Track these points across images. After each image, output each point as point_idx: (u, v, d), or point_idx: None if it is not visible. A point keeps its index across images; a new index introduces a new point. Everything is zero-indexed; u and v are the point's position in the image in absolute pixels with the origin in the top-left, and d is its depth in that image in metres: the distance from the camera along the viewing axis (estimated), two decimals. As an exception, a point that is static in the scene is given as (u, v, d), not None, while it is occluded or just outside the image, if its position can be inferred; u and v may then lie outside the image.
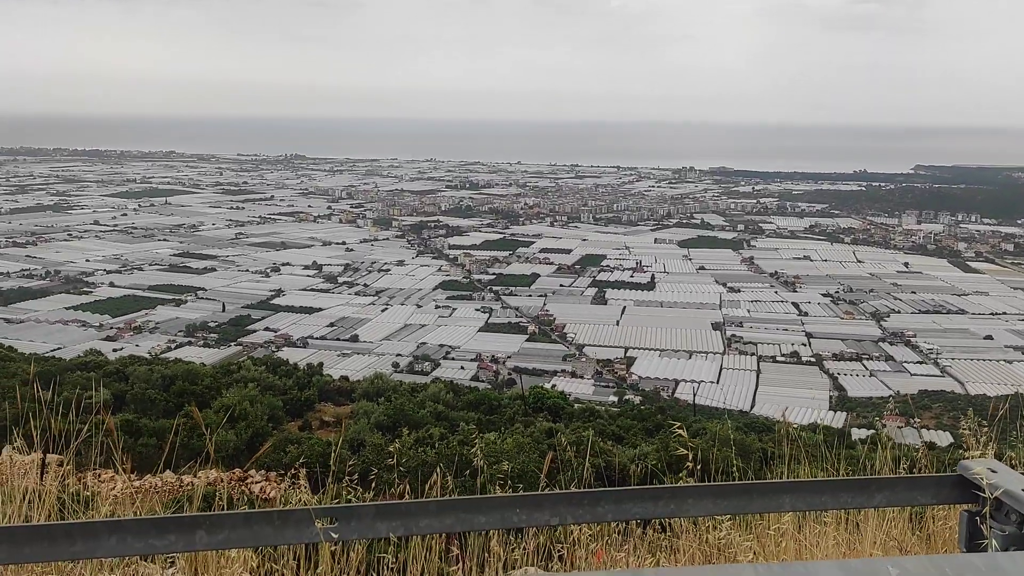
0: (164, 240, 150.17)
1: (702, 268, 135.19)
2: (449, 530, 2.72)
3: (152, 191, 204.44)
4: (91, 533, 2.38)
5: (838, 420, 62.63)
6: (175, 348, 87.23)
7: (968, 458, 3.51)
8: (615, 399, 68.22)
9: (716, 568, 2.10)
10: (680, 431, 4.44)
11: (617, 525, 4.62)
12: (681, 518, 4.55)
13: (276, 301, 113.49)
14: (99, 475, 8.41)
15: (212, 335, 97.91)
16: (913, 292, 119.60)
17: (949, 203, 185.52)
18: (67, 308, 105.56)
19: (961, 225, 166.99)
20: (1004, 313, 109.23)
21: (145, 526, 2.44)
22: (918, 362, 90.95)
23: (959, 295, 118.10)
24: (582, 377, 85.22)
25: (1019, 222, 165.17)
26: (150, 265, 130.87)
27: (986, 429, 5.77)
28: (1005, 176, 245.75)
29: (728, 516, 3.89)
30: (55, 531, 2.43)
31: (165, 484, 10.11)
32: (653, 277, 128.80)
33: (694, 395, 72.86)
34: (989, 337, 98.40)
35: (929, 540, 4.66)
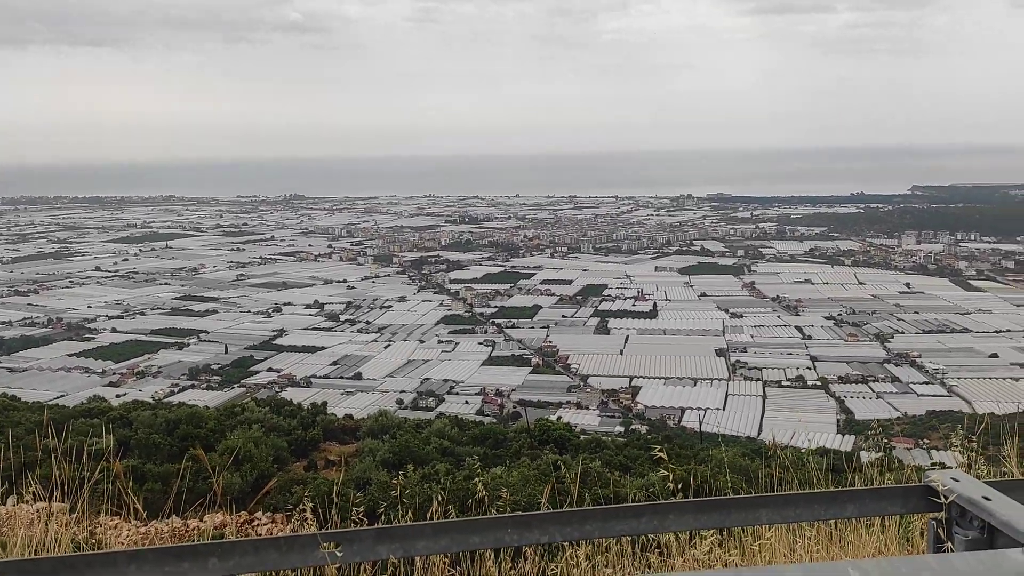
0: (165, 284, 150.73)
1: (704, 295, 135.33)
2: (445, 551, 2.88)
3: (153, 236, 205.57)
4: (111, 563, 2.55)
5: (847, 443, 62.28)
6: (179, 392, 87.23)
7: (935, 469, 3.67)
8: (621, 429, 67.98)
9: (693, 574, 2.25)
10: (660, 454, 4.60)
11: (613, 547, 4.77)
12: (665, 533, 4.68)
13: (279, 341, 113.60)
14: (105, 523, 8.52)
15: (215, 377, 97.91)
16: (916, 312, 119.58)
17: (948, 222, 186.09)
18: (70, 355, 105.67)
19: (961, 244, 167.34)
20: (1008, 331, 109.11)
21: (162, 555, 2.62)
22: (924, 382, 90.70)
23: (962, 314, 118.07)
24: (587, 408, 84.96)
25: (1018, 239, 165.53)
26: (152, 309, 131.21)
27: (974, 443, 5.91)
28: (1002, 194, 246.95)
29: (711, 533, 4.04)
30: (77, 562, 2.60)
31: (171, 529, 10.20)
32: (655, 305, 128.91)
33: (700, 422, 72.72)
34: (994, 355, 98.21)
35: (914, 553, 4.79)
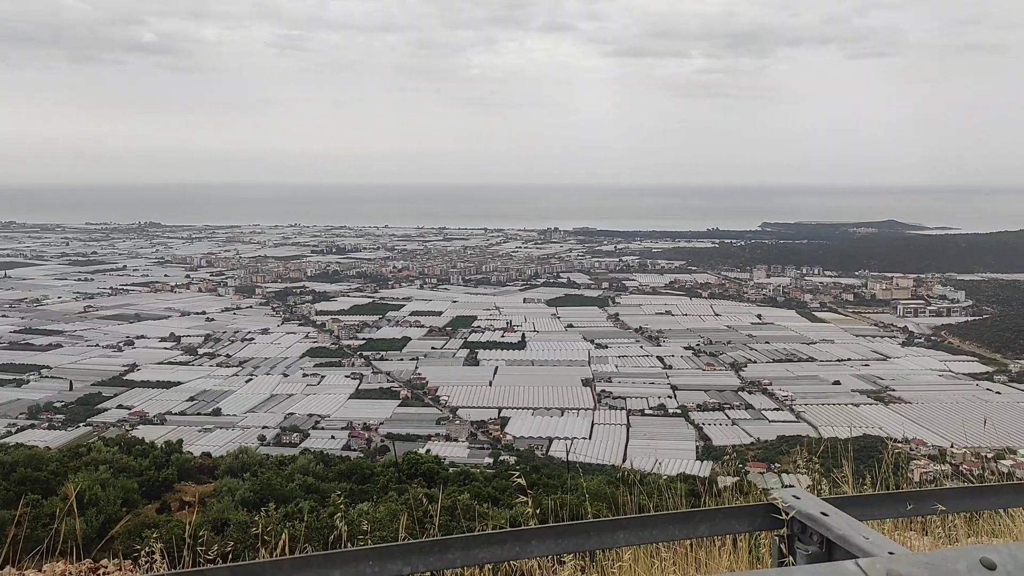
0: (3, 316, 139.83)
1: (570, 326, 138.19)
2: (304, 587, 2.80)
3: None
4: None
5: (705, 469, 64.80)
6: (16, 432, 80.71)
7: (780, 488, 3.90)
8: (491, 460, 68.10)
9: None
10: (519, 480, 4.66)
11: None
12: (528, 559, 4.73)
13: (130, 376, 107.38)
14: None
15: (58, 416, 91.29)
16: (767, 342, 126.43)
17: (794, 257, 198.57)
18: None
19: (806, 278, 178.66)
20: (849, 359, 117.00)
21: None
22: (775, 409, 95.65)
23: (808, 343, 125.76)
24: (456, 440, 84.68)
25: (856, 273, 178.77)
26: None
27: (817, 465, 6.27)
28: (843, 231, 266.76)
29: (572, 557, 4.12)
30: None
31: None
32: (523, 336, 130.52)
33: (568, 452, 73.82)
34: (837, 383, 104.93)
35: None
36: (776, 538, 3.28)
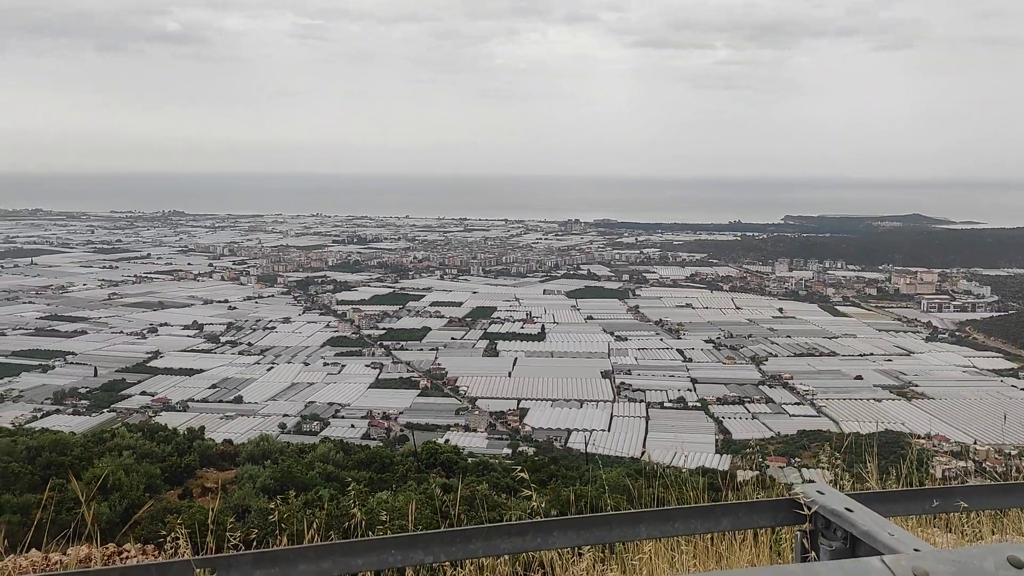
0: (29, 303, 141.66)
1: (590, 318, 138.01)
2: (327, 574, 2.82)
3: (16, 251, 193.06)
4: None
5: (724, 462, 64.55)
6: (42, 417, 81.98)
7: (804, 484, 3.87)
8: (509, 451, 68.35)
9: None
10: (523, 474, 4.68)
11: (498, 567, 4.78)
12: (549, 550, 4.74)
13: (153, 363, 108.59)
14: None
15: (83, 402, 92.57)
16: (788, 336, 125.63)
17: (817, 251, 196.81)
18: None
19: (829, 272, 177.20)
20: (871, 354, 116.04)
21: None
22: (796, 403, 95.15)
23: (830, 338, 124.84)
24: (475, 430, 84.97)
25: (880, 268, 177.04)
26: (13, 330, 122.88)
27: (839, 460, 6.23)
28: (867, 225, 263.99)
29: (591, 549, 4.12)
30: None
31: (31, 563, 9.55)
32: (543, 328, 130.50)
33: (586, 444, 73.94)
34: (859, 377, 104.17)
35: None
36: (799, 533, 3.26)
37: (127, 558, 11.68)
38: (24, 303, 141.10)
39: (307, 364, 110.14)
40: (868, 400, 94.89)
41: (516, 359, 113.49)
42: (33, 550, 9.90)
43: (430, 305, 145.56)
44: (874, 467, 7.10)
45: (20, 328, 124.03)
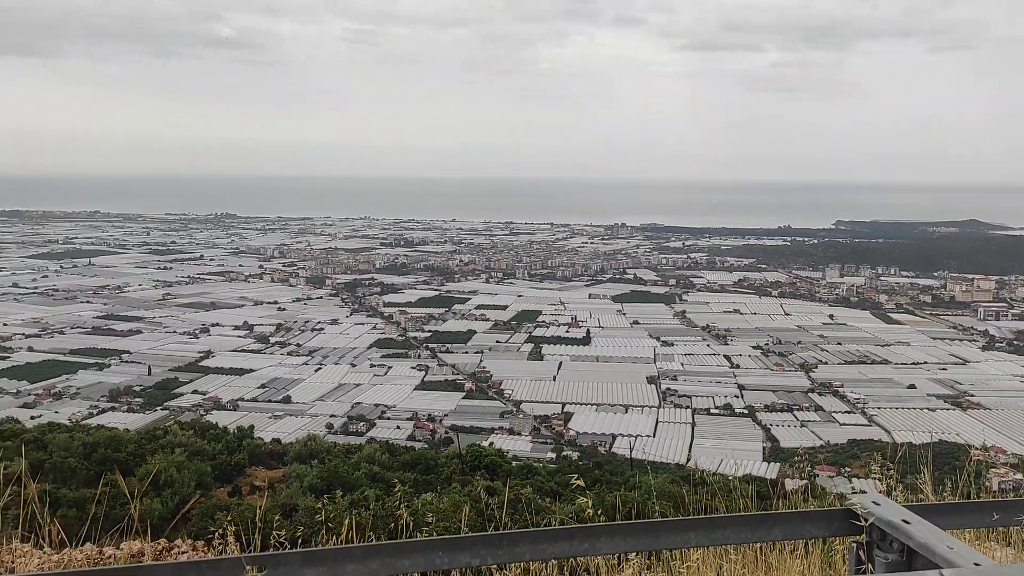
0: (87, 302, 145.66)
1: (636, 322, 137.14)
2: (375, 575, 2.83)
3: (75, 252, 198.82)
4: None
5: (772, 471, 63.51)
6: (97, 414, 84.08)
7: (857, 493, 3.78)
8: (553, 455, 68.13)
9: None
10: (578, 481, 4.64)
11: (543, 571, 4.76)
12: (596, 556, 4.70)
13: (205, 363, 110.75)
14: (15, 549, 8.13)
15: (137, 399, 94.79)
16: (839, 343, 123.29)
17: (869, 257, 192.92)
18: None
19: (881, 278, 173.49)
20: (925, 362, 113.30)
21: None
22: (846, 412, 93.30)
23: (882, 346, 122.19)
24: (520, 434, 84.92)
25: (935, 274, 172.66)
26: (72, 328, 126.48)
27: (892, 471, 6.08)
28: (921, 230, 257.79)
29: (637, 555, 4.07)
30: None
31: (86, 557, 9.77)
32: (588, 332, 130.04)
33: (631, 449, 73.36)
34: (912, 386, 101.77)
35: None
36: (854, 544, 3.18)
37: (178, 554, 11.90)
38: (82, 302, 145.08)
39: (354, 365, 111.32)
40: (921, 410, 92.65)
41: (561, 363, 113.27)
42: (88, 544, 10.14)
43: (476, 308, 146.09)
44: (929, 478, 6.92)
45: (78, 327, 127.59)
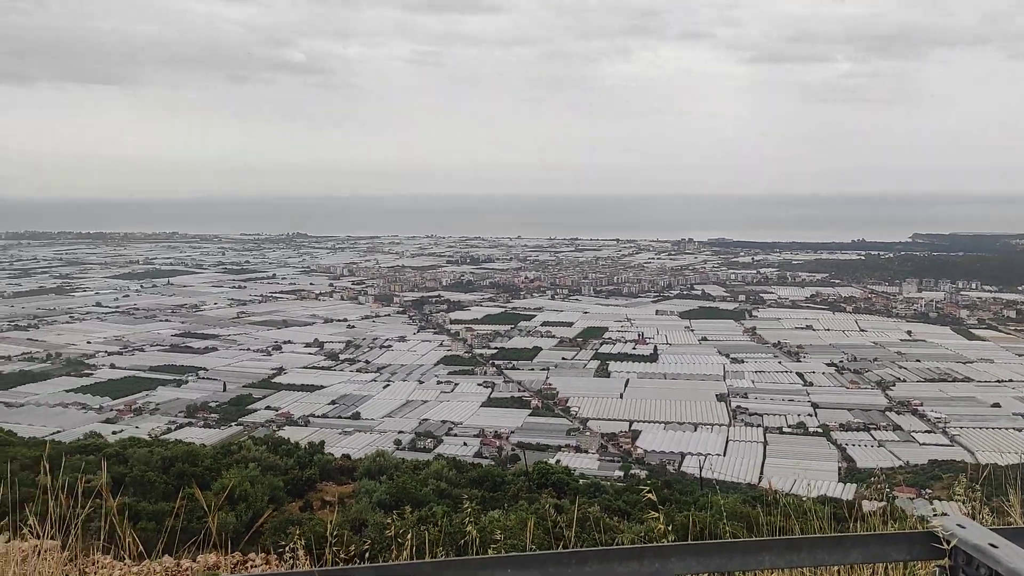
0: (166, 320, 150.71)
1: (704, 339, 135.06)
2: (443, 591, 2.84)
3: (155, 272, 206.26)
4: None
5: (848, 492, 61.61)
6: (175, 429, 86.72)
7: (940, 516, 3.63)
8: (621, 473, 67.43)
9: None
10: (649, 495, 4.55)
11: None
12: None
13: (277, 379, 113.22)
14: (96, 561, 8.40)
15: (213, 415, 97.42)
16: (917, 360, 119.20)
17: (949, 271, 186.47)
18: (67, 391, 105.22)
19: (962, 292, 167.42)
20: (1010, 380, 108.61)
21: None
22: (926, 431, 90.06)
23: (964, 363, 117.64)
24: (587, 451, 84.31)
25: (1020, 289, 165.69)
26: (151, 346, 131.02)
27: (978, 493, 5.84)
28: (1004, 243, 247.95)
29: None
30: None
31: (164, 569, 10.03)
32: (655, 349, 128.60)
33: (700, 468, 72.13)
34: (996, 405, 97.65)
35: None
36: (937, 569, 3.05)
37: (252, 566, 12.12)
38: (161, 321, 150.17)
39: (421, 382, 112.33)
40: (1007, 429, 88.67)
41: (628, 380, 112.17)
42: (166, 556, 10.42)
43: (541, 325, 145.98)
44: (1017, 501, 6.60)
45: (157, 344, 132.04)
